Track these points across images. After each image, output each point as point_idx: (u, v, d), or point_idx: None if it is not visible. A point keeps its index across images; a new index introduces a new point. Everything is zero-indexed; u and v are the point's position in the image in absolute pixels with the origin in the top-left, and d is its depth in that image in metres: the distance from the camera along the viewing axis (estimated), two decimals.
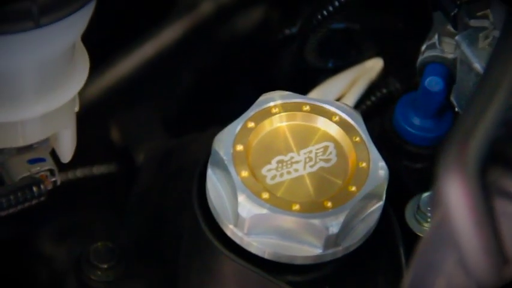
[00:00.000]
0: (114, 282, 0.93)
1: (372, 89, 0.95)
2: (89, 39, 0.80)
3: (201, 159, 0.81)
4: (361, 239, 0.78)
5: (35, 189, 0.76)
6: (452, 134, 0.59)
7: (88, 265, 0.93)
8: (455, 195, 0.57)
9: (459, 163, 0.57)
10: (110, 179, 1.02)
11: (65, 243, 0.99)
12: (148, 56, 1.07)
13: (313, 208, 0.75)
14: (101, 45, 1.01)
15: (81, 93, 1.03)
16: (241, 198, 0.75)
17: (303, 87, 0.93)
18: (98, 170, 1.02)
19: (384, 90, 0.95)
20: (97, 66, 1.03)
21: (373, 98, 0.95)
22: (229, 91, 1.10)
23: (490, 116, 0.60)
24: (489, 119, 0.60)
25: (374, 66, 0.93)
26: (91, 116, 1.02)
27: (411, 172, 0.86)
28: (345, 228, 0.76)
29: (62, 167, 0.93)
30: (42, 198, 0.77)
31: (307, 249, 0.76)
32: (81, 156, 0.92)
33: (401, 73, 0.95)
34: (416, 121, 0.88)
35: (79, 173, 1.01)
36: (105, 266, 0.93)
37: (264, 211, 0.75)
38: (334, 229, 0.75)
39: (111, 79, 1.06)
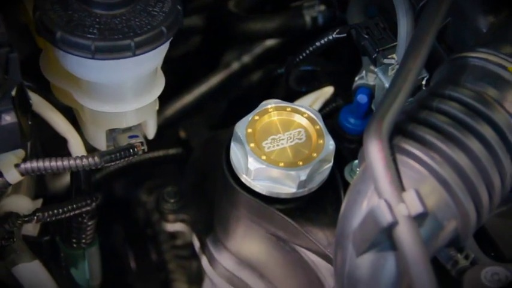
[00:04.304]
0: (178, 210, 0.92)
1: (326, 103, 0.93)
2: (171, 81, 0.78)
3: (227, 138, 0.78)
4: (318, 184, 0.75)
5: (131, 150, 0.73)
6: (373, 116, 0.58)
7: (163, 200, 0.92)
8: (374, 150, 0.55)
9: (376, 132, 0.56)
10: (178, 155, 1.00)
11: (153, 194, 0.97)
12: (202, 91, 1.04)
13: (291, 165, 0.73)
14: (175, 84, 0.99)
15: (163, 110, 1.03)
16: (250, 159, 0.73)
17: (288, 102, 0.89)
18: (171, 150, 1.00)
19: (334, 104, 0.92)
20: (172, 95, 1.02)
21: (327, 109, 0.92)
22: (247, 107, 1.07)
23: (395, 107, 0.58)
24: (394, 109, 0.58)
25: (328, 90, 0.92)
26: (169, 121, 1.01)
27: (348, 149, 0.82)
28: (309, 177, 0.73)
29: (153, 149, 0.94)
30: (136, 157, 0.74)
31: (287, 189, 0.74)
32: (164, 142, 0.93)
33: (343, 95, 0.92)
34: (352, 120, 0.84)
35: (161, 151, 0.99)
36: (172, 201, 0.92)
37: (263, 166, 0.72)
38: (303, 177, 0.72)
39: (180, 102, 1.03)
